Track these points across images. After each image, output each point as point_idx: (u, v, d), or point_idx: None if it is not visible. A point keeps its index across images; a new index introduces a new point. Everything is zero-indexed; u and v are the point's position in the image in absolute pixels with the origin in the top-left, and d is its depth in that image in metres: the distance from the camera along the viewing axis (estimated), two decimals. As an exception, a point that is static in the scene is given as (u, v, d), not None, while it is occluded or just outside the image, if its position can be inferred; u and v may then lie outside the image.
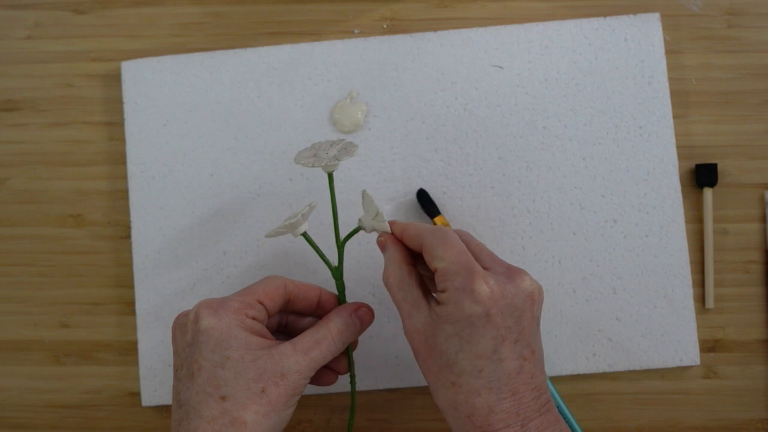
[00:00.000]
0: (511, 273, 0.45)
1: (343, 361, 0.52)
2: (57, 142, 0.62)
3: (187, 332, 0.45)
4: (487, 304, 0.43)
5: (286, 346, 0.45)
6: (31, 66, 0.63)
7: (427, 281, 0.49)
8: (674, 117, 0.59)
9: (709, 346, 0.59)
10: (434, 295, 0.47)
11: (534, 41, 0.60)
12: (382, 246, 0.50)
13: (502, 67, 0.60)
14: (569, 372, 0.57)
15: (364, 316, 0.49)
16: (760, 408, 0.58)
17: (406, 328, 0.46)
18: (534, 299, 0.45)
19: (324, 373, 0.52)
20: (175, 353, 0.47)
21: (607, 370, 0.57)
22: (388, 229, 0.50)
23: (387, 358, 0.58)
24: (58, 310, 0.61)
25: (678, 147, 0.59)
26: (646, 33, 0.60)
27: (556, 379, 0.58)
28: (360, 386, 0.58)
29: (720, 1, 0.62)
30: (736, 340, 0.59)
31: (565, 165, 0.59)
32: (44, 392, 0.61)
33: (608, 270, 0.58)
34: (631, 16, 0.60)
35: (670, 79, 0.60)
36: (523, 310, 0.44)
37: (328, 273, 0.54)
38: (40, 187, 0.62)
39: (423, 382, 0.58)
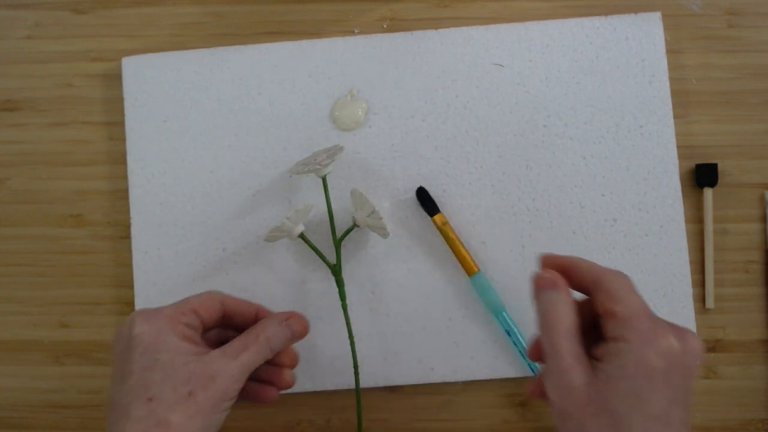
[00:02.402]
0: (681, 331, 0.41)
1: (283, 374, 0.52)
2: (57, 142, 0.62)
3: (122, 340, 0.46)
4: (670, 359, 0.40)
5: (216, 352, 0.46)
6: (31, 66, 0.63)
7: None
8: (674, 117, 0.59)
9: (709, 346, 0.59)
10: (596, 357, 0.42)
11: (535, 40, 0.60)
12: (544, 283, 0.44)
13: (503, 66, 0.60)
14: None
15: (294, 325, 0.50)
16: (760, 408, 0.58)
17: (561, 384, 0.41)
18: (697, 362, 0.41)
19: (263, 389, 0.52)
20: (112, 362, 0.47)
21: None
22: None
23: (386, 354, 0.58)
24: (58, 310, 0.61)
25: (678, 147, 0.59)
26: (647, 32, 0.60)
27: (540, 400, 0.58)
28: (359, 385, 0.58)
29: (720, 0, 0.62)
30: (736, 340, 0.59)
31: (565, 164, 0.59)
32: (44, 392, 0.60)
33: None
34: (633, 15, 0.60)
35: (671, 79, 0.60)
36: (692, 373, 0.41)
37: (329, 268, 0.55)
38: (40, 187, 0.62)
39: (421, 379, 0.58)
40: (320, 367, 0.58)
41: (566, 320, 0.42)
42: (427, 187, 0.59)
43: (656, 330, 0.40)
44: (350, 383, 0.57)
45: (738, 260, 0.59)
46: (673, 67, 0.60)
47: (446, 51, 0.60)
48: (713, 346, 0.59)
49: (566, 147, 0.59)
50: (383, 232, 0.55)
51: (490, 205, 0.59)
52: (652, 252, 0.58)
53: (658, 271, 0.58)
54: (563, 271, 0.44)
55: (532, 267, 0.57)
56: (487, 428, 0.59)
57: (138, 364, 0.44)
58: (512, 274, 0.58)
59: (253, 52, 0.61)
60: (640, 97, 0.59)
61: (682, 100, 0.60)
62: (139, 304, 0.59)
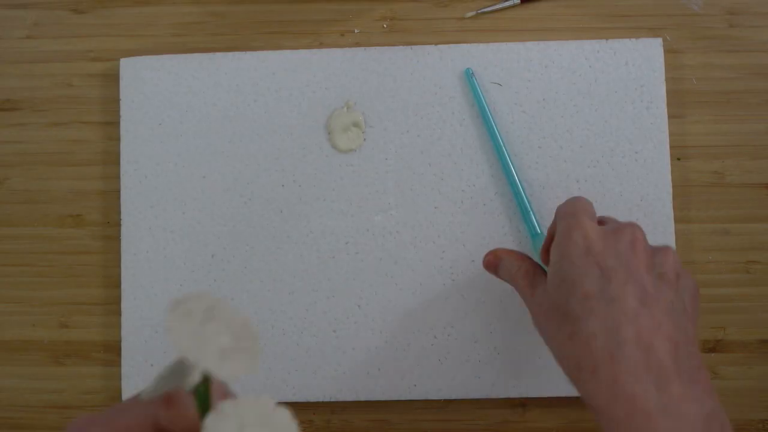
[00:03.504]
0: (619, 225, 0.46)
1: None
2: (56, 141, 0.62)
3: None
4: (589, 239, 0.44)
5: None
6: (31, 65, 0.63)
7: None
8: (674, 117, 0.59)
9: (709, 347, 0.59)
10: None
11: (534, 60, 0.60)
12: (494, 261, 0.53)
13: (501, 85, 0.59)
14: (551, 394, 0.57)
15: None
16: (760, 408, 0.58)
17: (532, 303, 0.48)
18: (636, 247, 0.44)
19: None
20: None
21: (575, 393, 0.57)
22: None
23: (369, 369, 0.58)
24: (58, 311, 0.61)
25: (678, 147, 0.59)
26: (647, 58, 0.59)
27: (540, 400, 0.58)
28: (341, 398, 0.58)
29: (721, 0, 0.61)
30: (736, 340, 0.59)
31: (559, 186, 0.59)
32: (44, 392, 0.61)
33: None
34: (634, 40, 0.59)
35: (671, 79, 0.59)
36: (629, 255, 0.44)
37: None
38: (40, 187, 0.62)
39: (402, 395, 0.58)
40: (320, 378, 0.59)
41: (514, 264, 0.51)
42: (418, 204, 0.59)
43: (576, 220, 0.46)
44: (352, 395, 0.58)
45: (738, 260, 0.59)
46: (673, 67, 0.60)
47: (445, 67, 0.60)
48: (713, 346, 0.59)
49: (560, 169, 0.59)
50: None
51: (480, 224, 0.59)
52: (641, 279, 0.58)
53: (646, 299, 0.57)
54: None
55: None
56: (487, 428, 0.59)
57: None
58: (499, 295, 0.58)
59: (252, 59, 0.61)
60: (637, 122, 0.59)
61: (682, 100, 0.60)
62: (126, 306, 0.59)
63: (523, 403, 0.59)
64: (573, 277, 0.43)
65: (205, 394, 0.32)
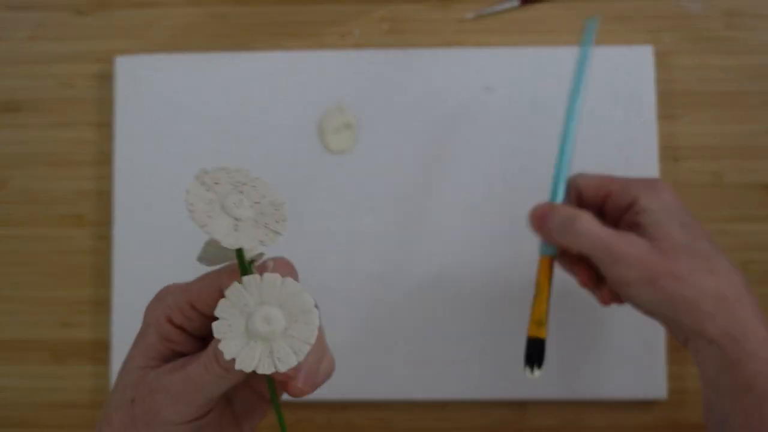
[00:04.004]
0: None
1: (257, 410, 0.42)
2: (58, 142, 0.63)
3: None
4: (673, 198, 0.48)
5: (169, 364, 0.38)
6: (33, 67, 0.64)
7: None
8: (673, 118, 0.60)
9: None
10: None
11: (526, 65, 0.60)
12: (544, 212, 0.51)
13: (490, 89, 0.60)
14: (535, 396, 0.58)
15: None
16: None
17: (630, 260, 0.47)
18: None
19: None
20: None
21: (573, 396, 0.57)
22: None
23: (368, 368, 0.58)
24: (59, 310, 0.62)
25: (677, 147, 0.60)
26: (638, 65, 0.59)
27: (540, 400, 0.59)
28: (342, 397, 0.58)
29: (719, 2, 0.62)
30: None
31: (549, 191, 0.58)
32: (45, 392, 0.61)
33: (584, 300, 0.57)
34: (625, 47, 0.59)
35: (669, 80, 0.60)
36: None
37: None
38: (41, 187, 0.63)
39: (407, 396, 0.58)
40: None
41: (601, 229, 0.47)
42: (411, 208, 0.59)
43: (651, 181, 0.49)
44: (350, 395, 0.58)
45: (738, 260, 0.58)
46: (671, 68, 0.60)
47: (438, 71, 0.60)
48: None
49: (550, 174, 0.58)
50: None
51: (472, 229, 0.59)
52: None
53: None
54: (608, 187, 0.51)
55: (511, 294, 0.58)
56: (487, 428, 0.59)
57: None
58: (491, 298, 0.58)
59: (246, 59, 0.61)
60: (626, 130, 0.59)
61: (681, 101, 0.61)
62: (117, 303, 0.59)
63: (523, 404, 0.59)
64: (693, 221, 0.47)
65: (243, 265, 0.35)
